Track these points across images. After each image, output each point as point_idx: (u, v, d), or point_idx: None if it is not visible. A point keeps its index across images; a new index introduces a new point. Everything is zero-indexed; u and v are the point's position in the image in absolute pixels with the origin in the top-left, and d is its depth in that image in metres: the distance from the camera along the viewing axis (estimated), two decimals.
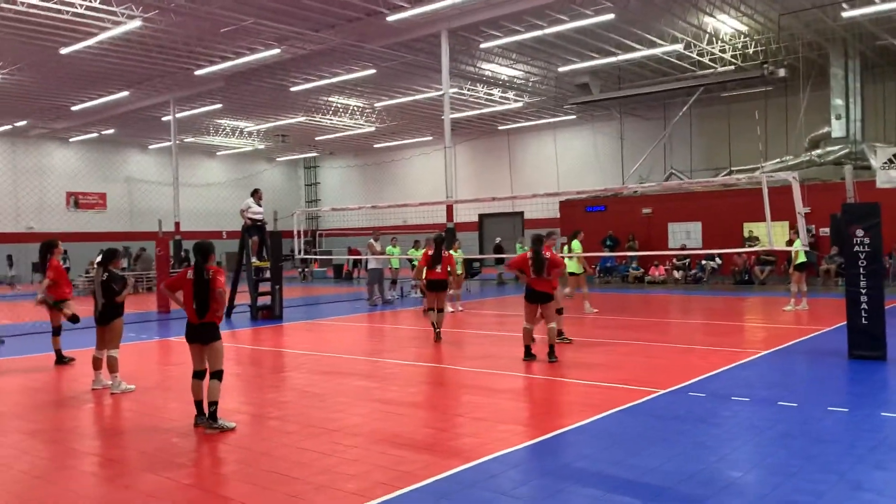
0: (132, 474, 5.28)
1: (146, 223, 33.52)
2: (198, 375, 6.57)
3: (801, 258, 14.50)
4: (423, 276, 11.85)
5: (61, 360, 9.96)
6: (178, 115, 28.10)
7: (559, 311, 10.61)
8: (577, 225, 26.48)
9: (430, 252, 11.85)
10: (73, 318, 9.65)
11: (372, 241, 18.84)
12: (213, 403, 6.43)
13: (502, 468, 5.17)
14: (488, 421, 6.66)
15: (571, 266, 14.88)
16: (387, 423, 6.54)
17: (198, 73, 22.68)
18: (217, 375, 6.49)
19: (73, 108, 27.43)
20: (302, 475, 5.08)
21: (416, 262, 20.59)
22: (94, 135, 33.01)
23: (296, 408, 7.30)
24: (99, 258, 8.38)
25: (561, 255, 14.18)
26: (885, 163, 19.78)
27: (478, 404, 7.36)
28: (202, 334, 6.52)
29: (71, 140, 34.09)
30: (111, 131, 32.32)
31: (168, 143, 30.61)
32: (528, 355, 9.64)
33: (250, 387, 8.73)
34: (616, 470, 5.08)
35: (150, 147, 36.75)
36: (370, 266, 18.50)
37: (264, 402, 7.75)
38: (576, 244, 15.22)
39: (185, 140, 33.73)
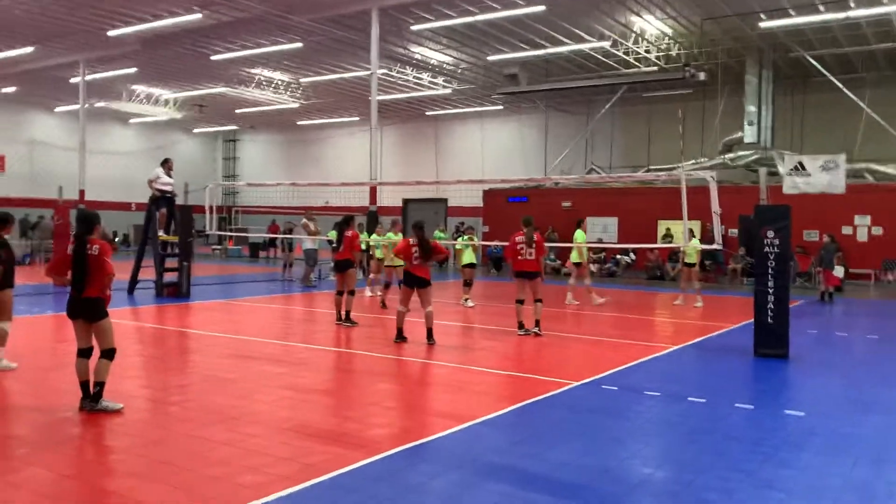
0: (2, 461, 4.78)
1: (49, 190, 31.51)
2: (83, 354, 6.07)
3: (693, 257, 15.01)
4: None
5: None
6: (87, 78, 26.44)
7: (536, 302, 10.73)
8: (499, 214, 26.69)
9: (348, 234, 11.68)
10: None
11: (306, 220, 18.44)
12: (100, 384, 5.96)
13: (411, 461, 4.95)
14: (399, 410, 6.44)
15: (574, 256, 14.88)
16: (294, 412, 6.21)
17: (111, 33, 21.33)
18: (107, 354, 6.02)
19: None
20: (195, 466, 4.70)
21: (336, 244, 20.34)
22: None
23: (196, 393, 6.87)
24: None
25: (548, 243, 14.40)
26: (792, 170, 20.70)
27: (389, 393, 7.13)
28: (85, 310, 6.01)
29: None
30: (12, 89, 30.17)
31: (76, 107, 28.83)
32: (400, 337, 9.78)
33: (149, 369, 8.21)
34: (529, 464, 4.94)
35: (57, 109, 34.53)
36: (306, 246, 18.10)
37: (163, 385, 7.27)
38: (579, 234, 14.93)
39: (96, 104, 31.85)
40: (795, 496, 4.44)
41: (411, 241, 9.80)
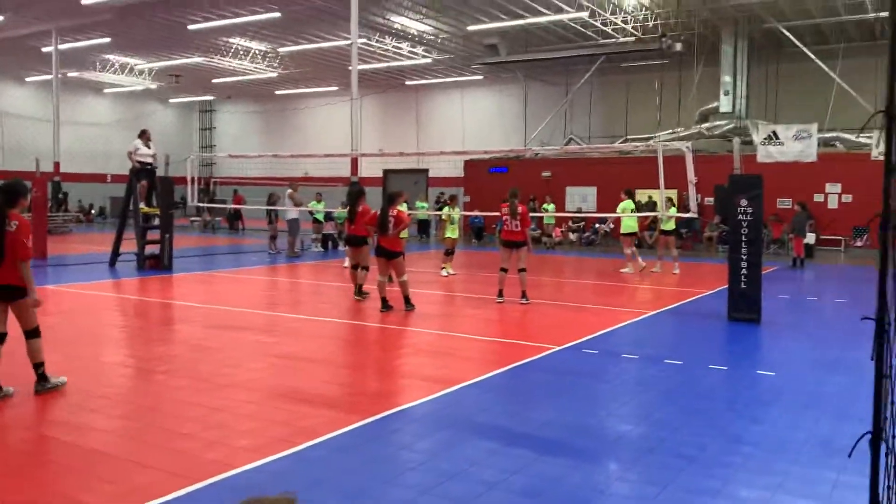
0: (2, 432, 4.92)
1: (21, 162, 31.04)
2: None
3: (670, 225, 15.32)
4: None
5: None
6: (60, 47, 25.99)
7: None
8: (480, 184, 26.82)
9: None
10: None
11: (291, 191, 18.73)
12: (39, 364, 5.67)
13: (403, 423, 5.17)
14: (390, 376, 6.64)
15: (626, 225, 15.30)
16: (284, 379, 6.38)
17: (85, 2, 20.98)
18: (33, 333, 5.67)
19: None
20: (192, 431, 4.86)
21: (317, 215, 20.38)
22: None
23: (184, 362, 7.00)
24: None
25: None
26: (765, 139, 21.01)
27: (379, 359, 7.33)
28: (2, 292, 5.52)
29: None
30: None
31: (49, 77, 28.36)
32: (385, 306, 9.95)
33: (133, 340, 8.32)
34: (513, 423, 5.18)
35: (28, 80, 33.89)
36: (290, 217, 18.46)
37: (150, 355, 7.38)
38: (627, 203, 15.26)
39: (69, 74, 31.34)
40: (763, 448, 4.72)
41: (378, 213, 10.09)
